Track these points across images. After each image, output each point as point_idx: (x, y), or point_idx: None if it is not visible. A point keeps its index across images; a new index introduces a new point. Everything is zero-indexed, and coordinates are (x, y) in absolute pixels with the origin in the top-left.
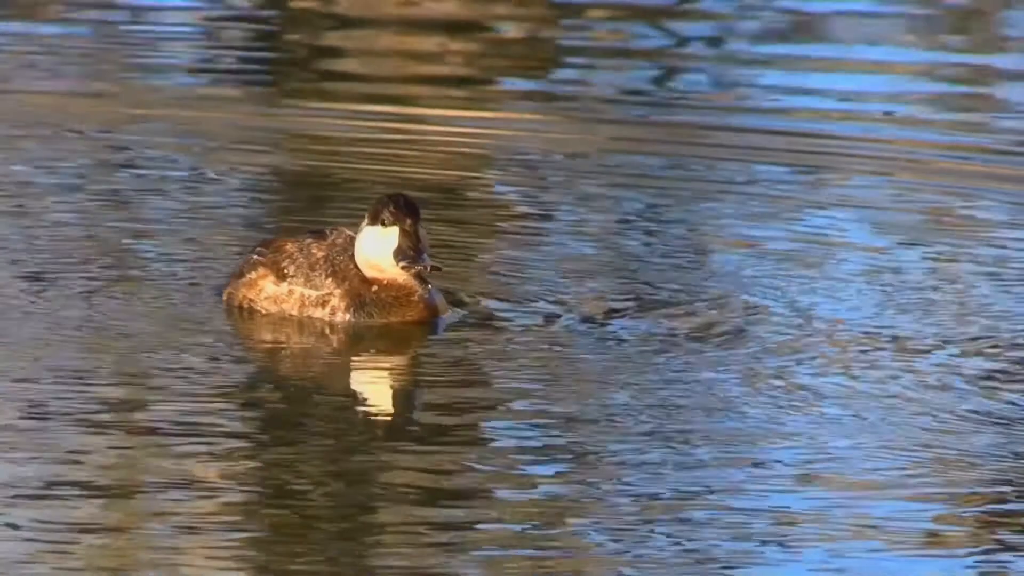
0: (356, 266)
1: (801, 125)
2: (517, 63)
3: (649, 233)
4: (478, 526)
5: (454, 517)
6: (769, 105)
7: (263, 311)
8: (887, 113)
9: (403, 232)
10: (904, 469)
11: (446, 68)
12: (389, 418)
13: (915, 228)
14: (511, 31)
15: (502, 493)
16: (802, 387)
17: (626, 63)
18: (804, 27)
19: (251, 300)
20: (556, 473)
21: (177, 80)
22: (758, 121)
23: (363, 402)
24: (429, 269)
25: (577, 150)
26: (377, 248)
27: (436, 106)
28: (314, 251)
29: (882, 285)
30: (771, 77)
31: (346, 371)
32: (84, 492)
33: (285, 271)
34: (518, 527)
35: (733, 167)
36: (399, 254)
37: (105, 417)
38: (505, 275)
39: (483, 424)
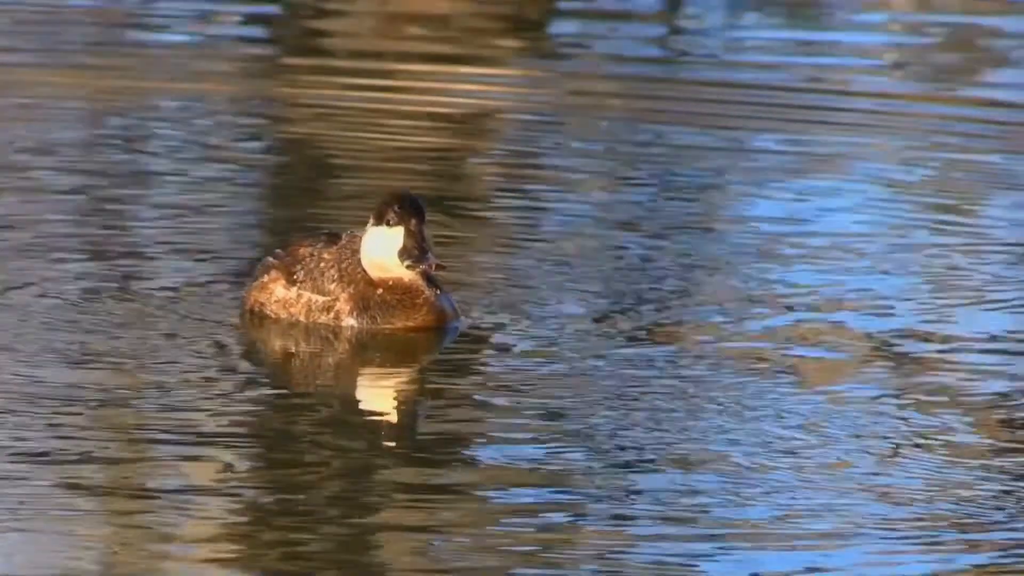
0: (364, 269)
1: (809, 98)
2: (511, 31)
3: (651, 216)
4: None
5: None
6: (774, 73)
7: (273, 315)
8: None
9: (408, 232)
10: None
11: (440, 44)
12: (386, 431)
13: (924, 209)
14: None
15: (505, 508)
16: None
17: (624, 27)
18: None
19: (261, 304)
20: (561, 488)
21: (176, 54)
22: (759, 94)
23: (359, 414)
24: (434, 268)
25: (574, 116)
26: (382, 248)
27: (431, 78)
28: (324, 255)
29: (882, 267)
30: (774, 42)
31: (348, 381)
32: (81, 492)
33: (295, 276)
34: (523, 539)
35: (738, 135)
36: (404, 253)
37: (102, 418)
38: (510, 274)
39: (483, 440)
